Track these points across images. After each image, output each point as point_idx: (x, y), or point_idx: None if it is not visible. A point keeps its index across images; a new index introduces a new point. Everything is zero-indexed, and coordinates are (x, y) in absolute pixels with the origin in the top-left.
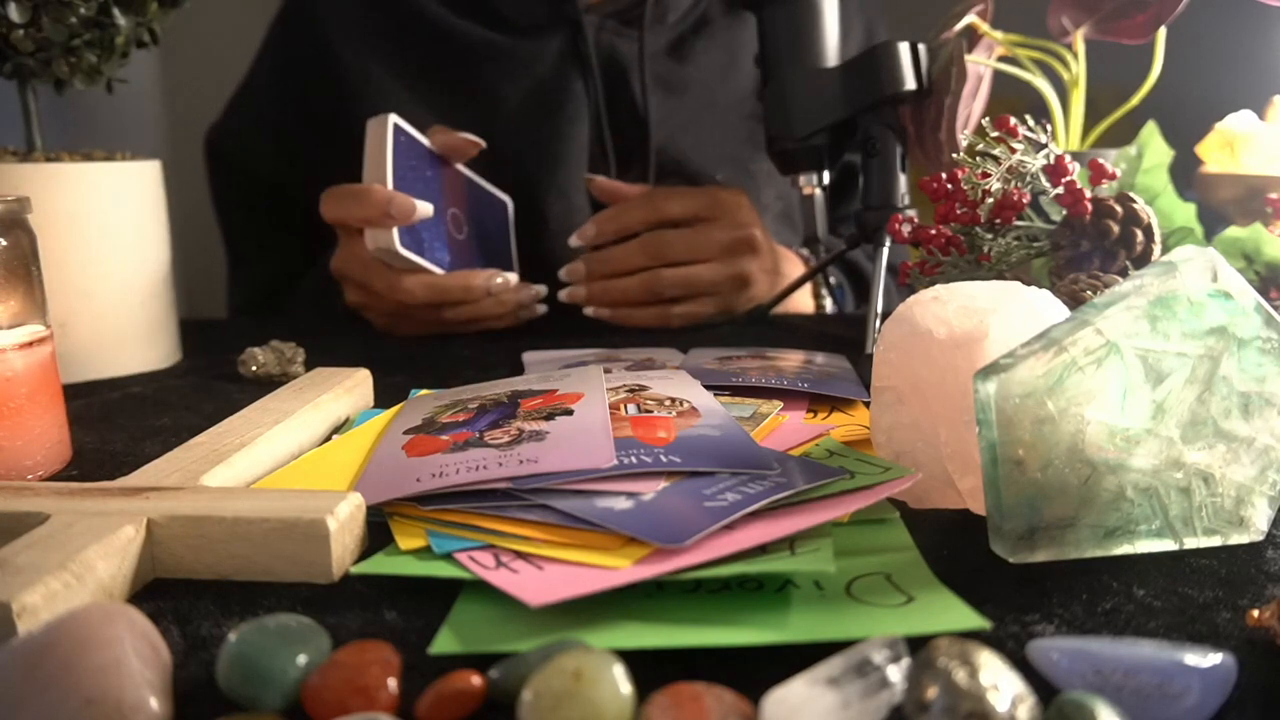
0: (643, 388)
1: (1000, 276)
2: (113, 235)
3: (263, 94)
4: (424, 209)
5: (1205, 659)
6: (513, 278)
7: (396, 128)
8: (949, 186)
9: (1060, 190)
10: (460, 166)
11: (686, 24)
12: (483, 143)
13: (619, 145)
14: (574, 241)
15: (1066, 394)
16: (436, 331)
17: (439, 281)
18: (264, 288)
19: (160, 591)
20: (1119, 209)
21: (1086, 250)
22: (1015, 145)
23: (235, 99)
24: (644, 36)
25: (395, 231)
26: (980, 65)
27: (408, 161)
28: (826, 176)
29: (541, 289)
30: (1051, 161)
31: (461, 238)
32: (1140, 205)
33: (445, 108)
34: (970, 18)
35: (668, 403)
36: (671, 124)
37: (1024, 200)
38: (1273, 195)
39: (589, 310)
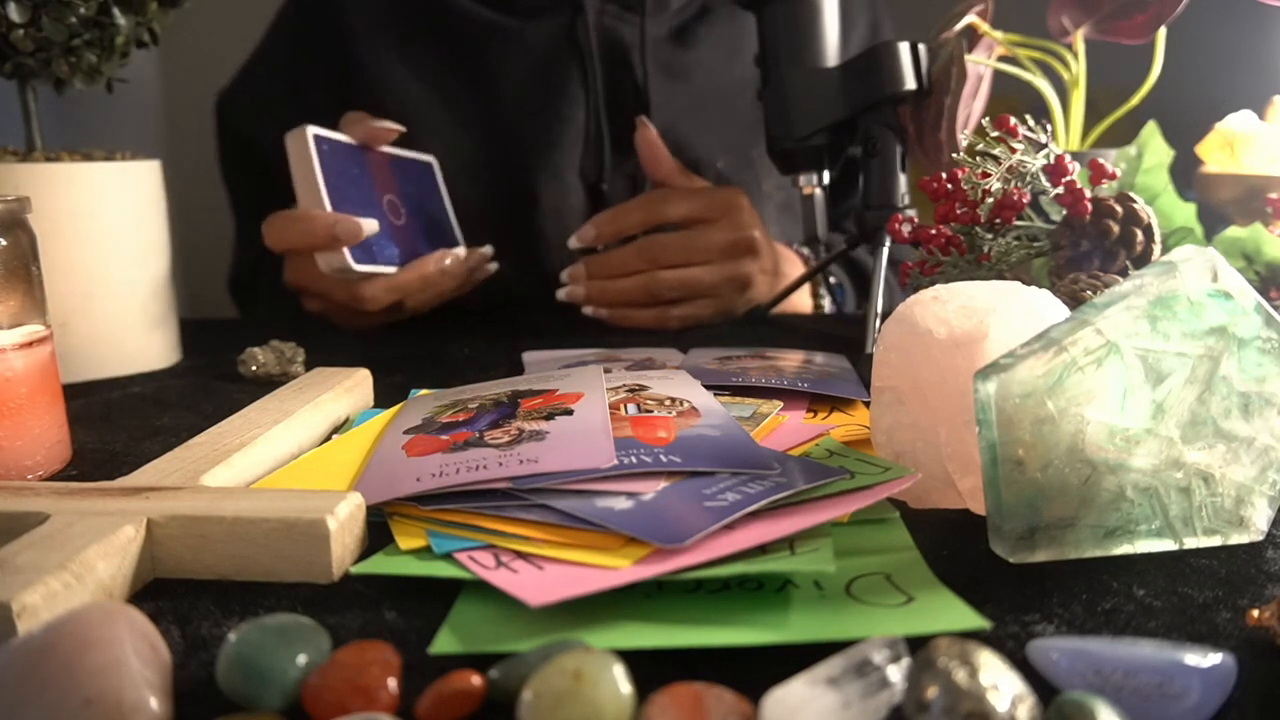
0: (643, 388)
1: (1000, 276)
2: (113, 235)
3: (272, 65)
4: (369, 226)
5: (1205, 659)
6: (460, 251)
7: (317, 138)
8: (949, 186)
9: (1060, 190)
10: (382, 147)
11: (689, 12)
12: (401, 128)
13: (620, 130)
14: (573, 243)
15: (1066, 394)
16: (400, 319)
17: (396, 281)
18: (258, 253)
19: (160, 591)
20: (1119, 209)
21: (1086, 250)
22: (1015, 145)
23: (246, 69)
24: (645, 22)
25: (346, 250)
26: (980, 65)
27: (335, 168)
28: (826, 176)
29: (488, 249)
30: (1051, 161)
31: (401, 223)
32: (1140, 205)
33: (447, 86)
34: (970, 18)
35: (668, 403)
36: (673, 109)
37: (1024, 200)
38: (1273, 195)
39: (588, 310)
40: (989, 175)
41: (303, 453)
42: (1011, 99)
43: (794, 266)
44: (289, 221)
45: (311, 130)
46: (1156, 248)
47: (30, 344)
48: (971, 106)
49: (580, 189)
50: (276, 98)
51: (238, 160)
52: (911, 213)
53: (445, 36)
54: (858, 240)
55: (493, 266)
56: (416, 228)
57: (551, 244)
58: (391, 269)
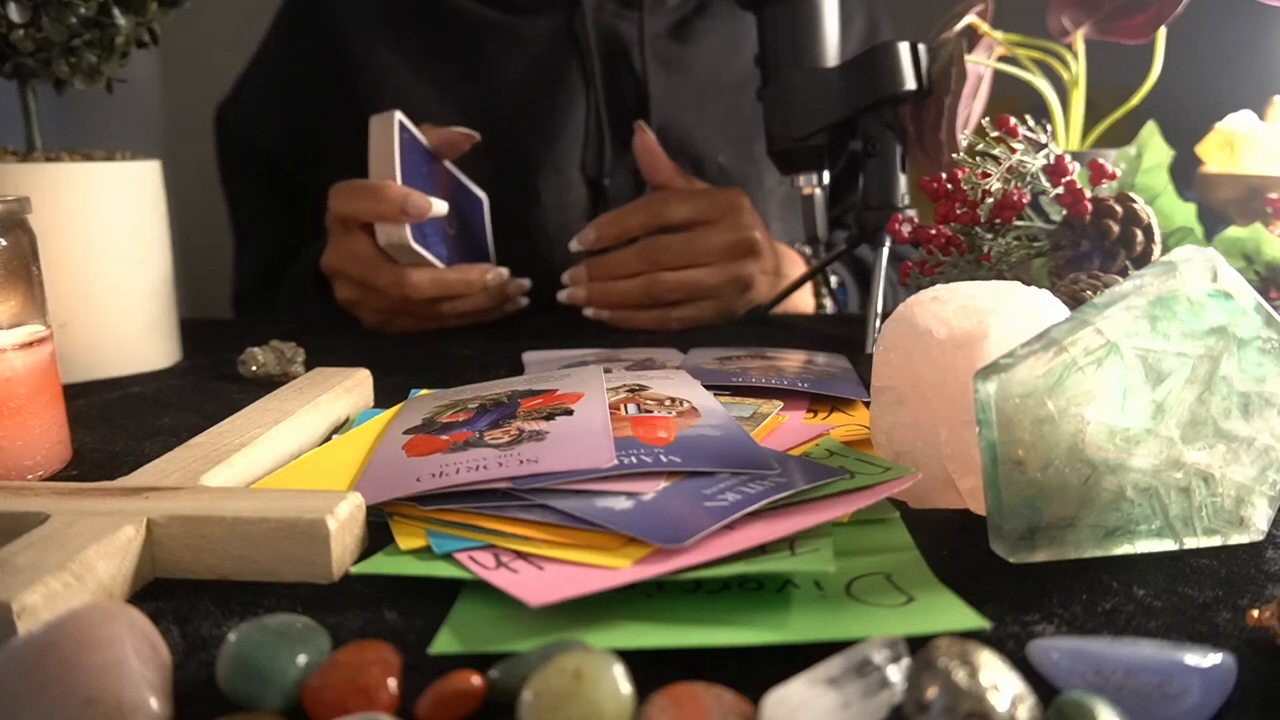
0: (643, 388)
1: (1000, 276)
2: (113, 235)
3: (270, 70)
4: (439, 206)
5: (1205, 659)
6: (504, 271)
7: (402, 124)
8: (949, 186)
9: (1060, 190)
10: (446, 163)
11: (688, 7)
12: (477, 136)
13: (620, 125)
14: (574, 246)
15: (1066, 394)
16: (428, 327)
17: (443, 276)
18: (266, 265)
19: (160, 591)
20: (1119, 209)
21: (1086, 250)
22: (1015, 145)
23: (244, 75)
24: (644, 18)
25: (408, 226)
26: (980, 65)
27: (410, 158)
28: (826, 176)
29: (525, 282)
30: (1051, 161)
31: (453, 233)
32: (1140, 205)
33: (446, 84)
34: (970, 18)
35: (668, 403)
36: (674, 103)
37: (1024, 200)
38: (1273, 195)
39: (589, 312)
40: (989, 175)
41: (303, 453)
42: (1011, 99)
43: (795, 266)
44: (359, 189)
45: (399, 115)
46: (1156, 248)
47: (30, 344)
48: (971, 106)
49: (581, 184)
50: (277, 102)
51: (241, 170)
52: (911, 213)
53: (443, 35)
54: (858, 240)
55: (524, 301)
56: (462, 245)
57: (553, 239)
58: (439, 264)
